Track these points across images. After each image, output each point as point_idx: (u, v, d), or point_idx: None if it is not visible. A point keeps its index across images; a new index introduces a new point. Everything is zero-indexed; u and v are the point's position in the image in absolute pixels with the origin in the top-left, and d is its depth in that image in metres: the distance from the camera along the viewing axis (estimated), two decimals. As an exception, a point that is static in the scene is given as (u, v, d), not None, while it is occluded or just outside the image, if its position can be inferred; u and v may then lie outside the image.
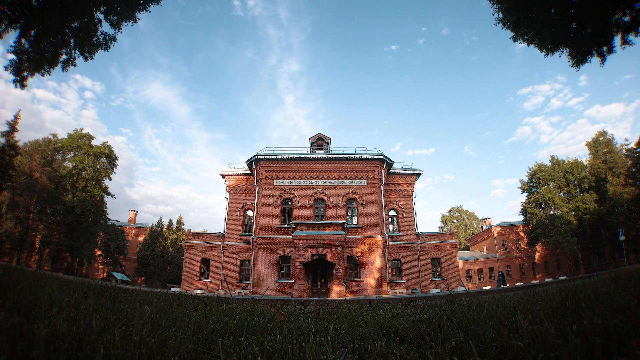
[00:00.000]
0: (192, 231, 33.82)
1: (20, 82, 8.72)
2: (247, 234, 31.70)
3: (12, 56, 8.47)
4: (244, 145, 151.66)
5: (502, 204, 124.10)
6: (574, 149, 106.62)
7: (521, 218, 50.95)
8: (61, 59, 9.27)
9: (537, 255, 52.66)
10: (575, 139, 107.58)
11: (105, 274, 46.82)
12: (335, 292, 26.19)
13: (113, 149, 44.17)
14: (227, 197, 33.47)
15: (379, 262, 28.49)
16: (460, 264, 48.56)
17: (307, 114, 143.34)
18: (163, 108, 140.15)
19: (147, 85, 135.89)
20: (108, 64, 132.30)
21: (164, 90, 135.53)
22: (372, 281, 27.91)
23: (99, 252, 45.28)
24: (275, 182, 30.63)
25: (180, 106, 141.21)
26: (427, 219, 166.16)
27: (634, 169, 39.17)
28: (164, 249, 52.04)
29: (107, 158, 43.53)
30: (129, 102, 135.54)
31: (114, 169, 44.37)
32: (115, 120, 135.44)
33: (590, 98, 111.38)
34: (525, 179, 50.06)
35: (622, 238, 33.69)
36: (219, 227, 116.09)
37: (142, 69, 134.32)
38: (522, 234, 52.60)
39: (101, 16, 9.45)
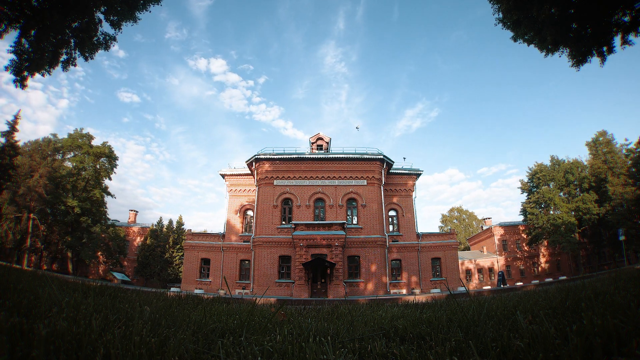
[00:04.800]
0: (192, 231, 33.80)
1: (21, 82, 8.73)
2: (247, 234, 31.70)
3: (12, 56, 8.48)
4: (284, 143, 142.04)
5: (501, 204, 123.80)
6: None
7: (521, 218, 50.99)
8: (61, 59, 9.28)
9: (537, 255, 52.67)
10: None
11: (105, 274, 46.82)
12: (335, 292, 26.18)
13: (113, 149, 44.21)
14: (227, 197, 33.50)
15: (379, 262, 28.48)
16: (460, 264, 48.56)
17: (357, 105, 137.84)
18: (193, 108, 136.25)
19: (191, 81, 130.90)
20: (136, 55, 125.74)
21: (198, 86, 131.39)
22: (372, 281, 27.90)
23: (99, 252, 45.30)
24: (275, 182, 30.62)
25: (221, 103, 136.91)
26: (427, 218, 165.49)
27: (634, 169, 39.15)
28: (163, 249, 52.08)
29: (107, 158, 43.56)
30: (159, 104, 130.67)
31: (114, 168, 44.38)
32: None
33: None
34: (526, 179, 50.10)
35: (622, 238, 33.65)
36: (219, 227, 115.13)
37: (182, 55, 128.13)
38: (522, 234, 52.62)
39: (101, 16, 9.47)
